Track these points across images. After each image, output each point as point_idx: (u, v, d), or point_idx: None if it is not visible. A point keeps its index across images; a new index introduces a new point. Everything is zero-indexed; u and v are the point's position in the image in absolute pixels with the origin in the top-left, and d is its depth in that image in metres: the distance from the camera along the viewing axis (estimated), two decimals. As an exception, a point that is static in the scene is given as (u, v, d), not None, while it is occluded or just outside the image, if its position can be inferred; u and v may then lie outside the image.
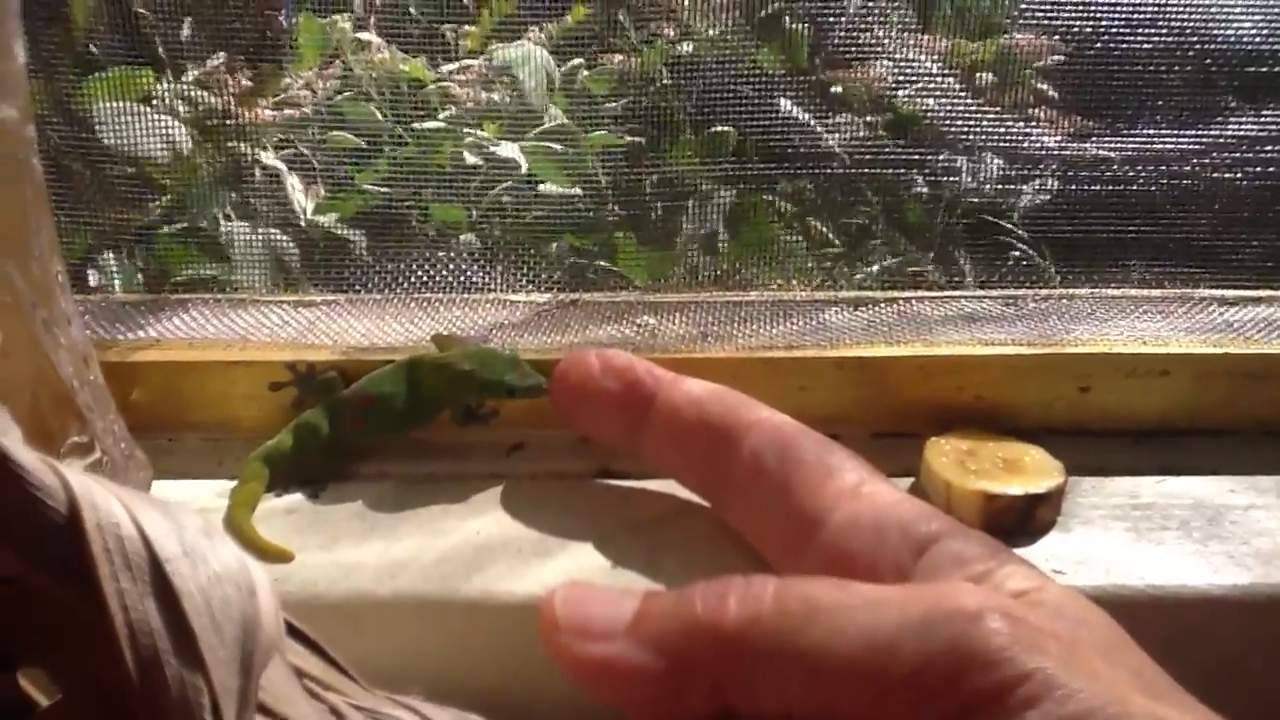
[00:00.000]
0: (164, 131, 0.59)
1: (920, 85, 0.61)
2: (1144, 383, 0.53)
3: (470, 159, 0.62)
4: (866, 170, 0.62)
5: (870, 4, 0.59)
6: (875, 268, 0.65)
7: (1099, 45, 0.58)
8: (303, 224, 0.62)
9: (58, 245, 0.44)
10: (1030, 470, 0.48)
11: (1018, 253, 0.63)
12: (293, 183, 0.62)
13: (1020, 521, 0.47)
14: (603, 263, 0.63)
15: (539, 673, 0.40)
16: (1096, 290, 0.58)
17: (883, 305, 0.56)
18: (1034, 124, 0.61)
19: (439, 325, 0.55)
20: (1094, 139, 0.59)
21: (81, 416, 0.45)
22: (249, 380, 0.51)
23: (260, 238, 0.61)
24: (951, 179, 0.62)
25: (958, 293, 0.58)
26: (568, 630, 0.34)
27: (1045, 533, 0.47)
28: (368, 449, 0.51)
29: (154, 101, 0.60)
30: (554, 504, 0.48)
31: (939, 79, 0.60)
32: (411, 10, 0.61)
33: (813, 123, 0.60)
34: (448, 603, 0.43)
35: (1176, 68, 0.58)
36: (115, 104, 0.58)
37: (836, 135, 0.62)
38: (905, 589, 0.34)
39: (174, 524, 0.24)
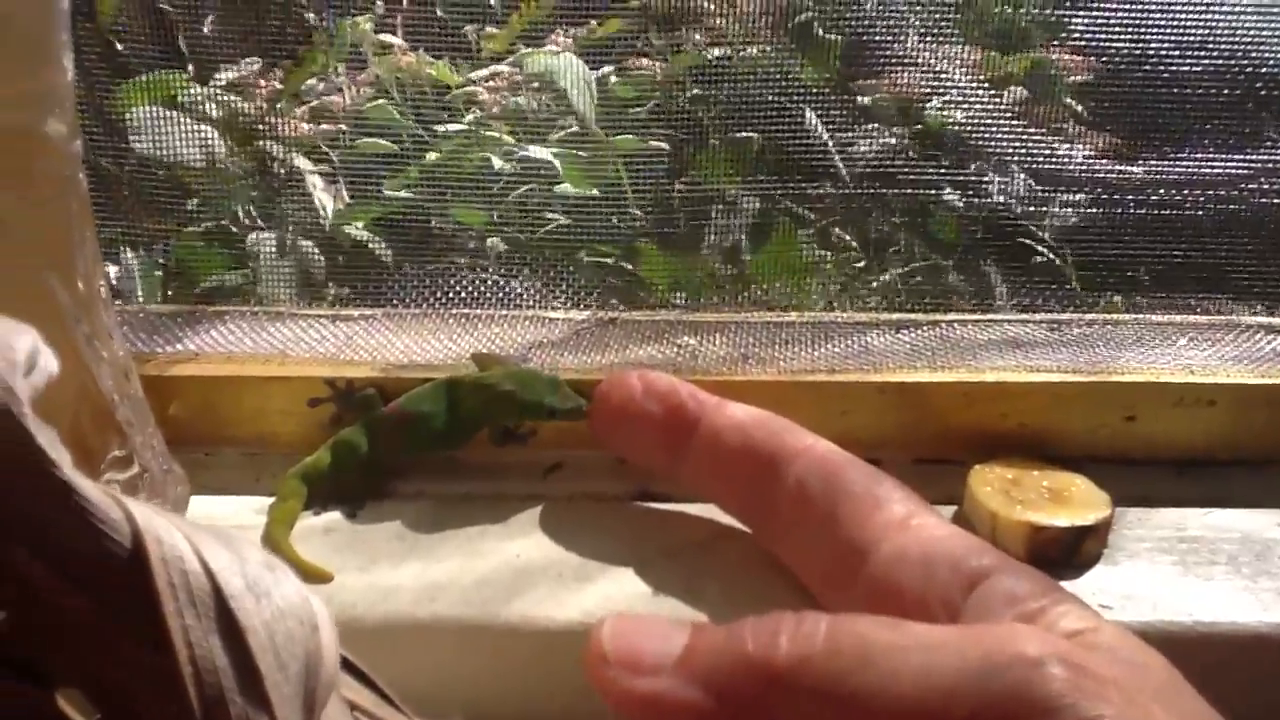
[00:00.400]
0: (198, 136, 0.59)
1: (951, 98, 0.61)
2: (1190, 412, 0.52)
3: (498, 163, 0.62)
4: (893, 182, 0.62)
5: (902, 14, 0.58)
6: (893, 277, 0.65)
7: (1144, 66, 0.58)
8: (327, 229, 0.62)
9: (100, 259, 0.44)
10: (1076, 501, 0.47)
11: (1048, 273, 0.63)
12: (318, 186, 0.62)
13: (1067, 554, 0.46)
14: (627, 265, 0.63)
15: (578, 699, 0.39)
16: (1141, 316, 0.57)
17: (925, 328, 0.56)
18: (1072, 143, 0.60)
19: (477, 342, 0.54)
20: (1139, 161, 0.59)
21: (121, 431, 0.45)
22: (287, 396, 0.51)
23: (288, 244, 0.61)
24: (982, 196, 0.62)
25: (1001, 316, 0.57)
26: (616, 663, 0.34)
27: (1091, 565, 0.47)
28: (404, 467, 0.50)
29: (185, 105, 0.60)
30: (593, 527, 0.47)
31: (970, 92, 0.60)
32: (438, 11, 0.60)
33: (828, 139, 0.60)
34: (487, 627, 0.42)
35: (1224, 90, 0.58)
36: (149, 109, 0.58)
37: (865, 144, 0.61)
38: (961, 631, 0.33)
39: (237, 557, 0.23)
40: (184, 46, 0.59)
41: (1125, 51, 0.58)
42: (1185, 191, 0.59)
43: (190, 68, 0.59)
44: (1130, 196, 0.59)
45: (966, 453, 0.51)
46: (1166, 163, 0.58)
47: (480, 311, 0.57)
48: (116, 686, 0.24)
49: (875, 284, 0.67)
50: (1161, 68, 0.57)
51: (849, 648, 0.32)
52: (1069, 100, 0.60)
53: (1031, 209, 0.61)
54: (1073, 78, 0.60)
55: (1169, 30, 0.57)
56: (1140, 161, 0.59)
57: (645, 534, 0.47)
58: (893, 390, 0.51)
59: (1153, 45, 0.57)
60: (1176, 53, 0.57)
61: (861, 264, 0.67)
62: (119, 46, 0.57)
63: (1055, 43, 0.60)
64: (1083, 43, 0.60)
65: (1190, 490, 0.51)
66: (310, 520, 0.47)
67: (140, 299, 0.60)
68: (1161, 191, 0.59)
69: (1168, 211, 0.59)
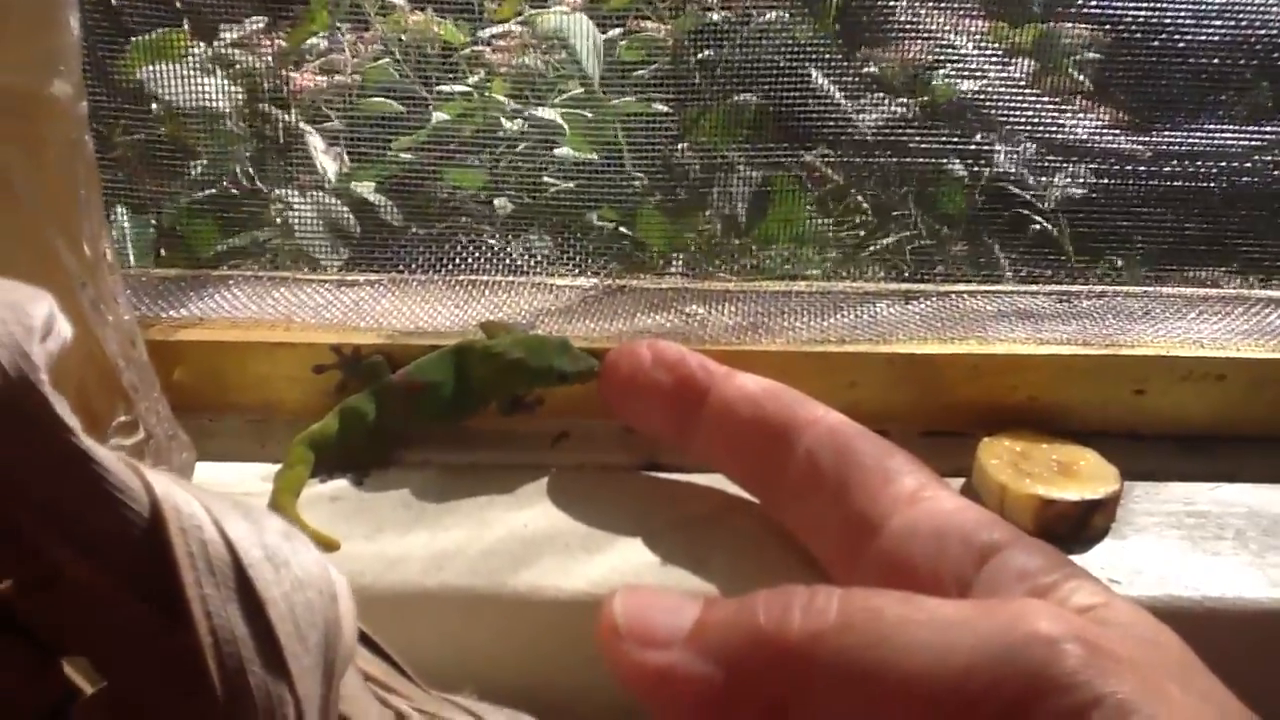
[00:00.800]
0: (202, 95, 0.58)
1: (960, 66, 0.60)
2: (1199, 387, 0.52)
3: (506, 124, 0.62)
4: (899, 149, 0.61)
5: None
6: (897, 243, 0.65)
7: (1156, 37, 0.57)
8: (330, 191, 0.61)
9: (106, 223, 0.44)
10: (1085, 475, 0.47)
11: (1053, 245, 0.63)
12: (319, 148, 0.62)
13: (1075, 528, 0.46)
14: (626, 230, 0.63)
15: (587, 669, 0.39)
16: (1151, 289, 0.57)
17: (934, 299, 0.56)
18: (1079, 113, 0.60)
19: (484, 309, 0.54)
20: (1150, 133, 0.58)
21: (127, 396, 0.44)
22: (293, 362, 0.51)
23: (292, 206, 0.60)
24: (988, 165, 0.61)
25: (1009, 288, 0.57)
26: (628, 635, 0.33)
27: (1099, 540, 0.46)
28: (411, 436, 0.50)
29: (189, 63, 0.59)
30: (601, 497, 0.47)
31: (979, 60, 0.59)
32: None
33: (840, 97, 0.60)
34: (495, 597, 0.42)
35: (1235, 61, 0.57)
36: (155, 67, 0.57)
37: (870, 113, 0.61)
38: (975, 606, 0.33)
39: (256, 526, 0.23)
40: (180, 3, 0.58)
41: (1135, 21, 0.57)
42: (1196, 164, 0.58)
43: (186, 25, 0.59)
44: (1140, 168, 0.58)
45: (975, 425, 0.51)
46: (1177, 134, 0.58)
47: (487, 278, 0.56)
48: (126, 655, 0.24)
49: (877, 250, 0.67)
50: (1172, 38, 0.56)
51: (862, 622, 0.32)
52: (1074, 73, 0.60)
53: (1040, 179, 0.60)
54: (1081, 53, 0.60)
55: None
56: (1150, 133, 0.58)
57: (653, 504, 0.47)
58: (901, 361, 0.51)
59: (1167, 15, 0.56)
60: (1190, 22, 0.56)
61: (863, 232, 0.66)
62: (114, 2, 0.57)
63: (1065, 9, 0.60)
64: (1094, 11, 0.59)
65: (1198, 465, 0.51)
66: (316, 488, 0.47)
67: (132, 263, 0.59)
68: (1173, 163, 0.58)
69: (1178, 183, 0.58)
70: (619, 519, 0.46)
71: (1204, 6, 0.56)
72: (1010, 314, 0.54)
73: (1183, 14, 0.56)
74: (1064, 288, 0.57)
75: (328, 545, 0.43)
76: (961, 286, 0.57)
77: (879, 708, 0.30)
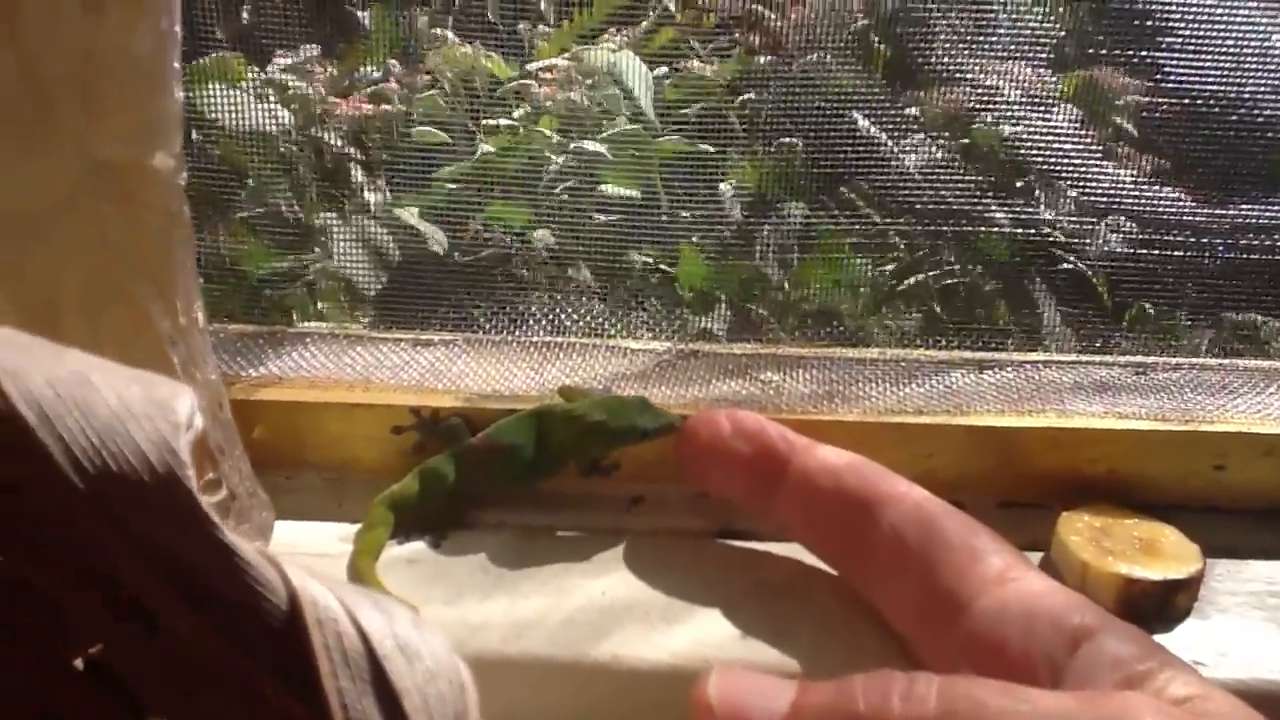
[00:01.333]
0: (256, 119, 0.59)
1: (1006, 113, 0.60)
2: (1281, 463, 0.51)
3: (553, 159, 0.62)
4: (941, 196, 0.62)
5: (957, 28, 0.58)
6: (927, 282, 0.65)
7: (1239, 109, 0.57)
8: (379, 221, 0.62)
9: (198, 286, 0.44)
10: (1168, 553, 0.47)
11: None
12: (368, 178, 0.63)
13: (1158, 607, 0.45)
14: (665, 267, 0.63)
15: (668, 742, 0.39)
16: (1228, 362, 0.57)
17: (1009, 369, 0.55)
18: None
19: (559, 371, 0.54)
20: (1230, 204, 0.58)
21: (212, 456, 0.45)
22: (370, 422, 0.51)
23: (344, 236, 0.61)
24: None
25: (1086, 358, 0.57)
26: (723, 717, 0.33)
27: (1182, 620, 0.46)
28: (487, 497, 0.50)
29: (245, 89, 0.60)
30: (679, 564, 0.47)
31: (1028, 108, 0.59)
32: (489, 15, 0.61)
33: (887, 140, 0.60)
34: (576, 666, 0.42)
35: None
36: (209, 89, 0.58)
37: (913, 156, 0.61)
38: (1077, 699, 0.33)
39: (388, 618, 0.23)
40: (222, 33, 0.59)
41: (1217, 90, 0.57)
42: (1273, 237, 0.58)
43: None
44: (1219, 240, 0.58)
45: (1052, 497, 0.50)
46: (1258, 206, 0.57)
47: (561, 339, 0.56)
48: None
49: (913, 287, 0.67)
50: (1253, 111, 0.56)
51: (964, 711, 0.31)
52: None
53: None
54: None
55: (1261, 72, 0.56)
56: (1230, 204, 0.58)
57: (731, 573, 0.47)
58: (980, 433, 0.51)
59: (1247, 87, 0.56)
60: (1267, 93, 0.56)
61: (897, 273, 0.67)
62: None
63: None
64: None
65: (1280, 542, 0.51)
66: (394, 550, 0.47)
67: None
68: (1250, 235, 0.58)
69: (1256, 256, 0.58)
70: (697, 587, 0.46)
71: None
72: (1087, 385, 0.54)
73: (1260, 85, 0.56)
74: (1140, 359, 0.57)
75: (409, 611, 0.43)
76: (1036, 356, 0.57)
77: None
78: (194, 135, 0.58)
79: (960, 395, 0.53)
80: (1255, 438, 0.51)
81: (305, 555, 0.47)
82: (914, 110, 0.62)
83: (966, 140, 0.63)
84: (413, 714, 0.22)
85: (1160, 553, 0.47)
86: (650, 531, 0.49)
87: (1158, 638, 0.43)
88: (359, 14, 0.62)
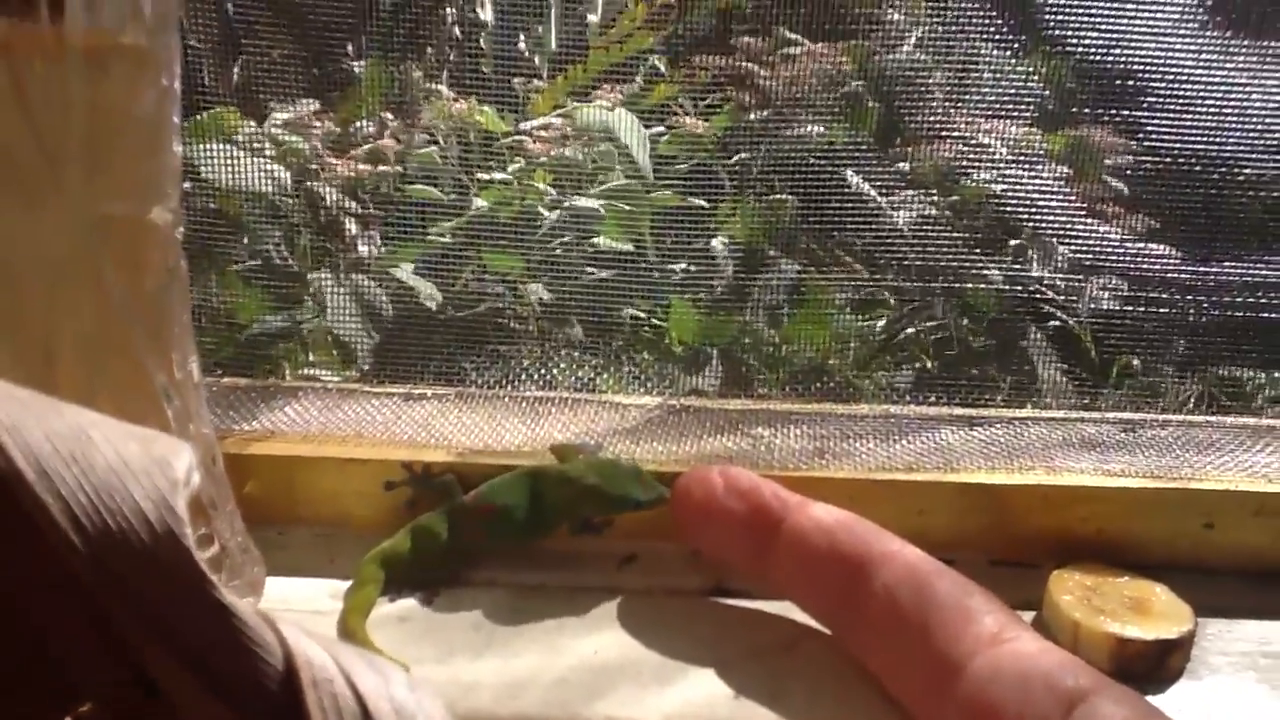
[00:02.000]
0: (252, 175, 0.60)
1: (994, 170, 0.61)
2: (1270, 522, 0.51)
3: (546, 214, 0.63)
4: (929, 251, 0.62)
5: (948, 88, 0.59)
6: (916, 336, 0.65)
7: (1217, 169, 0.58)
8: (372, 275, 0.63)
9: (194, 341, 0.44)
10: (1159, 613, 0.47)
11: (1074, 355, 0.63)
12: (362, 231, 0.63)
13: (1151, 667, 0.45)
14: (656, 321, 0.63)
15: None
16: (1215, 419, 0.57)
17: (998, 426, 0.56)
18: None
19: (550, 427, 0.54)
20: (1213, 262, 0.59)
21: (205, 510, 0.45)
22: (363, 477, 0.51)
23: (334, 289, 0.61)
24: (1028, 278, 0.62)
25: (1074, 415, 0.57)
26: None
27: (1175, 680, 0.46)
28: (480, 556, 0.50)
29: (240, 144, 0.61)
30: (671, 624, 0.47)
31: (1014, 165, 0.60)
32: (484, 68, 0.61)
33: (876, 197, 0.61)
34: (570, 727, 0.42)
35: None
36: (206, 147, 0.59)
37: (903, 212, 0.62)
38: None
39: (383, 679, 0.23)
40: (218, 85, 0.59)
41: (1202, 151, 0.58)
42: (1257, 294, 0.59)
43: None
44: (1204, 298, 0.59)
45: (1044, 556, 0.50)
46: (1241, 265, 0.58)
47: (553, 394, 0.57)
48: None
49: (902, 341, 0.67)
50: (1233, 169, 0.57)
51: None
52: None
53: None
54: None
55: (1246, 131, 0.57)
56: (1214, 262, 0.59)
57: (724, 632, 0.47)
58: (972, 491, 0.51)
59: (1227, 147, 0.57)
60: (1253, 154, 0.57)
61: (898, 334, 0.67)
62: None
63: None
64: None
65: (1271, 602, 0.51)
66: (385, 608, 0.47)
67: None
68: (1233, 293, 0.59)
69: (1238, 314, 0.59)
70: (690, 647, 0.46)
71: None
72: (1075, 442, 0.54)
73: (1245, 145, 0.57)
74: (1128, 416, 0.57)
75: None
76: (1025, 413, 0.57)
77: None
78: (189, 187, 0.58)
79: (949, 452, 0.53)
80: (1244, 496, 0.51)
81: (296, 612, 0.47)
82: (905, 165, 0.63)
83: (955, 197, 0.64)
84: (408, 776, 0.22)
85: (1151, 612, 0.47)
86: (643, 590, 0.49)
87: (1151, 699, 0.43)
88: (355, 66, 0.63)
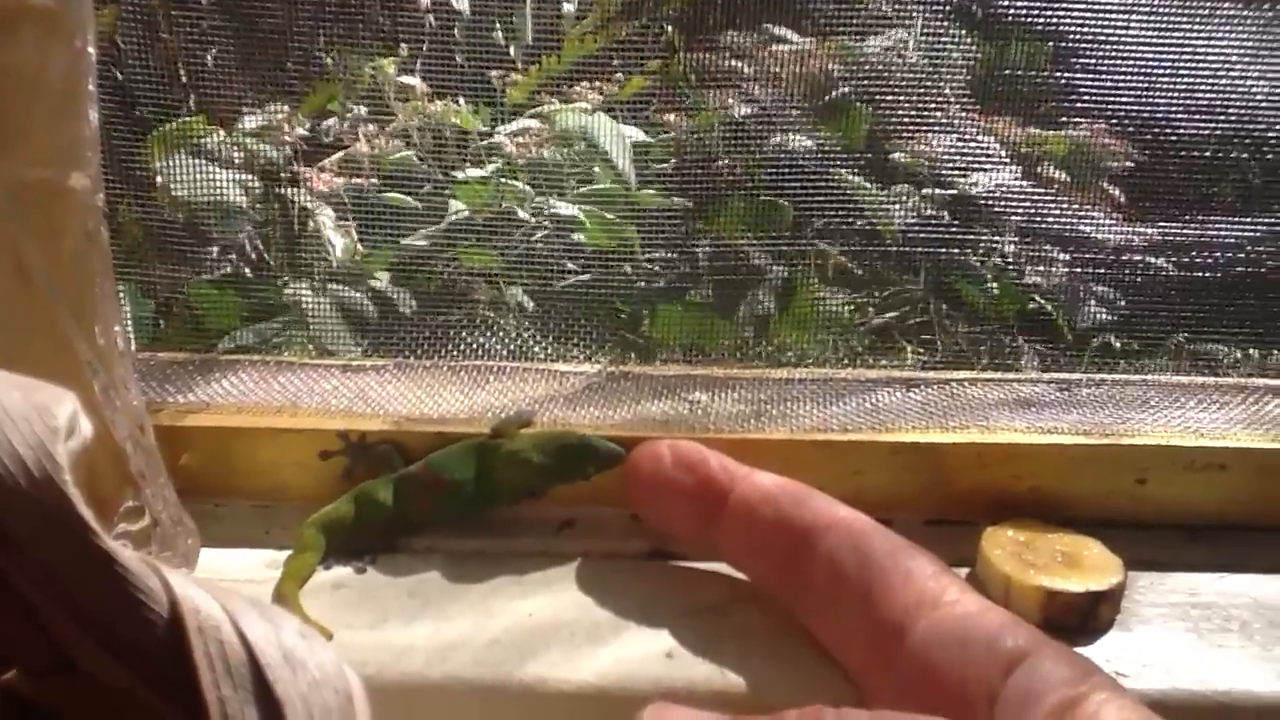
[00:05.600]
0: (220, 183, 0.59)
1: (979, 168, 0.61)
2: (1202, 476, 0.52)
3: (522, 215, 0.62)
4: (914, 240, 0.63)
5: (935, 87, 0.59)
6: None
7: (1153, 128, 0.58)
8: (341, 278, 0.62)
9: (119, 310, 0.44)
10: (1090, 566, 0.47)
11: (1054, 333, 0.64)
12: (331, 233, 0.63)
13: (1082, 620, 0.46)
14: (641, 324, 0.63)
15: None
16: (1150, 378, 0.58)
17: (935, 387, 0.56)
18: (1083, 204, 0.61)
19: (489, 395, 0.54)
20: (1150, 222, 0.59)
21: (134, 482, 0.44)
22: (299, 447, 0.51)
23: (307, 293, 0.61)
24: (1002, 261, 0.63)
25: (1010, 375, 0.57)
26: None
27: (1105, 631, 0.46)
28: (422, 524, 0.50)
29: (208, 152, 0.60)
30: (608, 586, 0.47)
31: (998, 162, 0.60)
32: (458, 58, 0.61)
33: (862, 193, 0.61)
34: (501, 689, 0.42)
35: (1235, 153, 0.58)
36: (173, 159, 0.58)
37: (892, 207, 0.62)
38: None
39: (273, 626, 0.23)
40: (190, 90, 0.59)
41: (1134, 112, 0.59)
42: (1192, 254, 0.59)
43: (192, 104, 0.59)
44: (1137, 257, 0.59)
45: (979, 514, 0.51)
46: (1176, 225, 0.59)
47: (491, 363, 0.56)
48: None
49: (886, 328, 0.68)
50: (1171, 130, 0.58)
51: None
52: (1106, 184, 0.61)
53: (1041, 269, 0.61)
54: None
55: (1180, 92, 0.57)
56: (1150, 222, 0.59)
57: (660, 594, 0.47)
58: (907, 450, 0.51)
59: (1159, 107, 0.57)
60: (1183, 116, 0.58)
61: (879, 323, 0.67)
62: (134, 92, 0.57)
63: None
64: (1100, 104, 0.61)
65: (1202, 556, 0.51)
66: (320, 575, 0.47)
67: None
68: (1169, 253, 0.59)
69: (1175, 273, 0.59)
70: (625, 608, 0.46)
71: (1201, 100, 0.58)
72: (1011, 402, 0.55)
73: (1179, 106, 0.57)
74: (1063, 375, 0.58)
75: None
76: (961, 374, 0.58)
77: None
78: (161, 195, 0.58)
79: (886, 413, 0.53)
80: (1176, 451, 0.52)
81: (231, 581, 0.47)
82: (899, 157, 0.63)
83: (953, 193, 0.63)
84: (296, 721, 0.22)
85: (1082, 565, 0.47)
86: (581, 554, 0.49)
87: (1082, 649, 0.44)
88: (325, 58, 0.62)
